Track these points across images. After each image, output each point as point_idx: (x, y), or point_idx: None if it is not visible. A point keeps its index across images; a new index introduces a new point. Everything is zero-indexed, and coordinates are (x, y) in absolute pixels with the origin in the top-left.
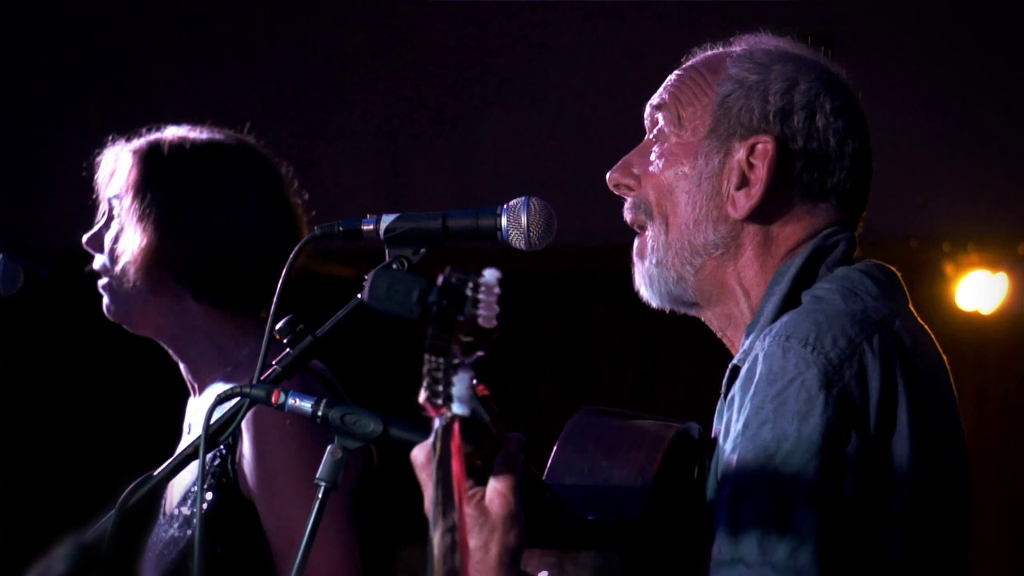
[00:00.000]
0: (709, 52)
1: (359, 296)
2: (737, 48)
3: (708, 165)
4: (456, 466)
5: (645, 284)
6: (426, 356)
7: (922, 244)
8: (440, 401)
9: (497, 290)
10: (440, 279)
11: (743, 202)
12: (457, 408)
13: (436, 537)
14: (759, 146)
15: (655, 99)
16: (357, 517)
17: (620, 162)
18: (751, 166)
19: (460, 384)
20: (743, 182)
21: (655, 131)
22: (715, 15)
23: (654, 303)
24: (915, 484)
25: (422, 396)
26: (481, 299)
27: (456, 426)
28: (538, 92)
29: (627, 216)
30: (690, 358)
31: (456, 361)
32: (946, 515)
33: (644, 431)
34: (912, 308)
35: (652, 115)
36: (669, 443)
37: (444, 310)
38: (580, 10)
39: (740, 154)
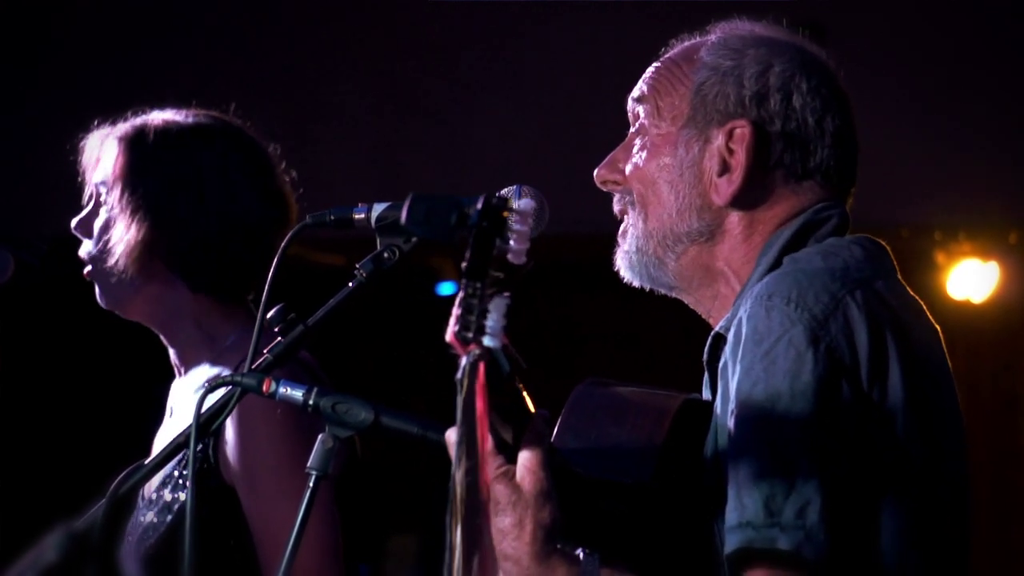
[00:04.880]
0: (686, 43)
1: (363, 277)
2: (712, 36)
3: (688, 154)
4: (480, 406)
5: (625, 266)
6: (463, 281)
7: (913, 233)
8: (471, 334)
9: (532, 220)
10: (480, 200)
11: (725, 188)
12: (488, 341)
13: (459, 476)
14: (737, 131)
15: (635, 92)
16: (340, 505)
17: (606, 159)
18: (731, 152)
19: (496, 313)
20: (724, 168)
21: (637, 124)
22: (708, 8)
23: (635, 283)
24: (910, 437)
25: (451, 330)
26: (516, 228)
27: (483, 365)
28: (530, 81)
29: (616, 208)
30: (676, 348)
31: (492, 290)
32: (942, 473)
33: (650, 399)
34: (902, 280)
35: (633, 109)
36: (676, 410)
37: (483, 232)
38: (573, 1)
39: (719, 140)
